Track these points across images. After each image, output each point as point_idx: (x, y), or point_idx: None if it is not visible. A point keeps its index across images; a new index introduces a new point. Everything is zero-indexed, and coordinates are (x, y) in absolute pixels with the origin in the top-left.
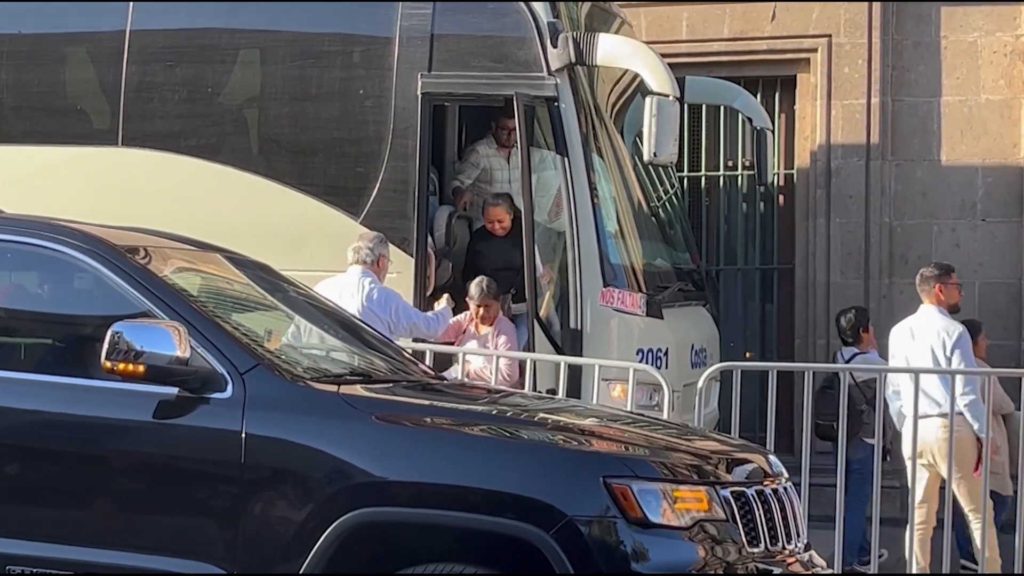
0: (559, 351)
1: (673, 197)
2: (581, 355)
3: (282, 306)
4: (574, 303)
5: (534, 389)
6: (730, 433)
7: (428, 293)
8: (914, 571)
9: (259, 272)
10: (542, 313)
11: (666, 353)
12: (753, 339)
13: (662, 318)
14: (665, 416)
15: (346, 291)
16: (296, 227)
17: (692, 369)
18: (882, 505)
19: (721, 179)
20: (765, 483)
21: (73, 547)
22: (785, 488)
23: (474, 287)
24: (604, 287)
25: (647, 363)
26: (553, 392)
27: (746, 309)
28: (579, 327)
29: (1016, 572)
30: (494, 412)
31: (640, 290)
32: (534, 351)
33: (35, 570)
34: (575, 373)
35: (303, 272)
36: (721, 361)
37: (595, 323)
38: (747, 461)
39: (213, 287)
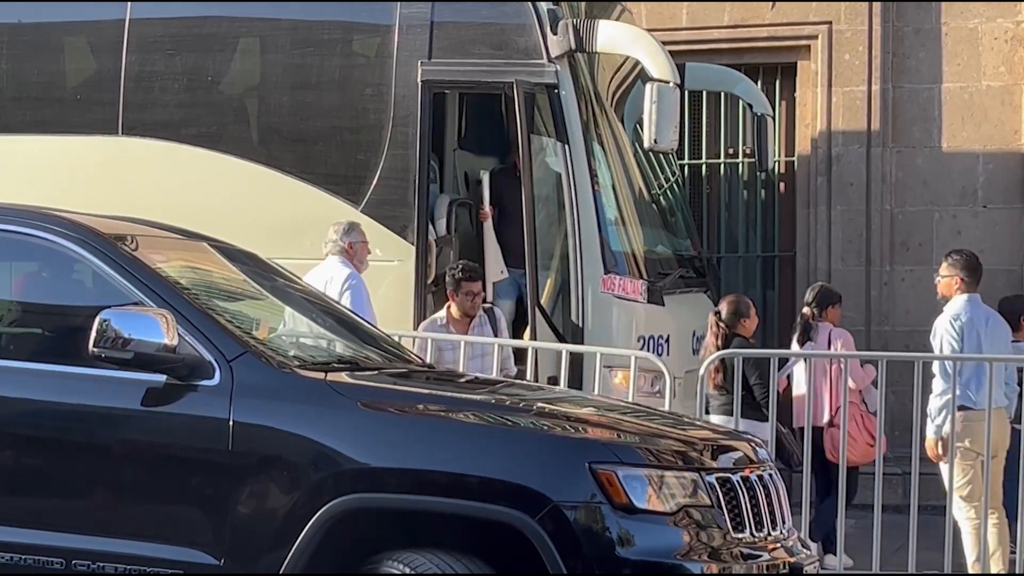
0: (560, 339)
1: (674, 184)
2: (583, 342)
3: (269, 295)
4: (575, 290)
5: (535, 378)
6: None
7: (429, 280)
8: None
9: (246, 261)
10: (543, 301)
11: (667, 340)
12: None
13: (663, 305)
14: (667, 403)
15: (324, 279)
16: (297, 215)
17: (693, 356)
18: None
19: (722, 166)
20: (749, 469)
21: (61, 534)
22: (771, 475)
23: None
24: (605, 274)
25: (648, 350)
26: (555, 380)
27: (747, 296)
28: (580, 314)
29: (1017, 572)
30: (481, 400)
31: (641, 277)
32: (536, 339)
33: (23, 557)
34: (576, 361)
35: (303, 260)
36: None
37: (596, 310)
38: (733, 448)
39: (200, 276)
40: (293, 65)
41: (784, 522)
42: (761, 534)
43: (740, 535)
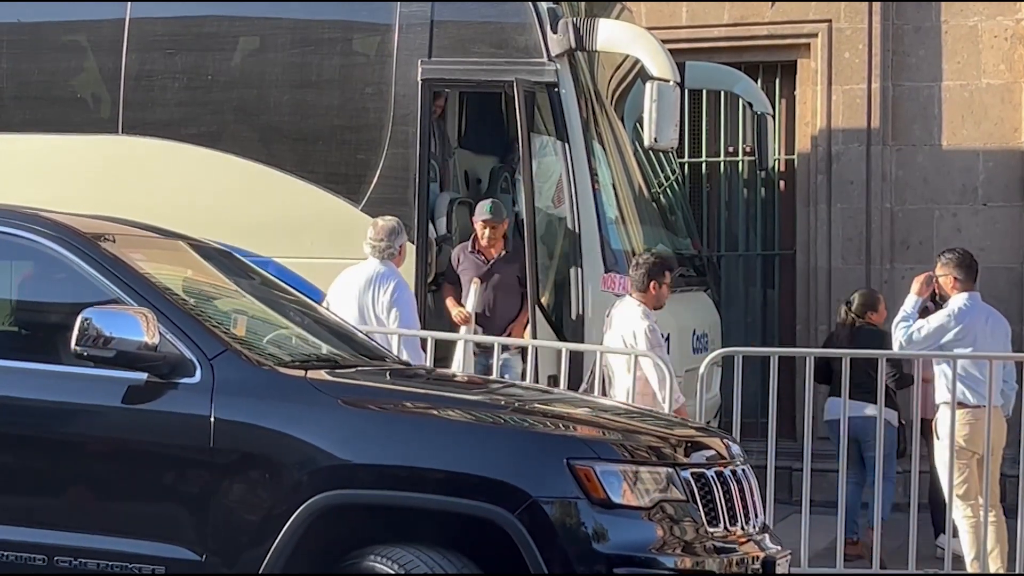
0: (560, 337)
1: (674, 183)
2: (583, 341)
3: (247, 293)
4: (575, 289)
5: (535, 377)
6: (731, 419)
7: (429, 279)
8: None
9: (222, 259)
10: (543, 299)
11: (667, 339)
12: (754, 325)
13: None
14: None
15: (365, 278)
16: (297, 214)
17: (694, 354)
18: None
19: (722, 165)
20: (722, 465)
21: (44, 531)
22: (743, 470)
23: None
24: (605, 273)
25: None
26: (555, 379)
27: (747, 295)
28: (580, 313)
29: (1017, 572)
30: (460, 397)
31: None
32: (536, 338)
33: (4, 553)
34: (577, 359)
35: (304, 260)
36: (723, 346)
37: (597, 309)
38: (706, 445)
39: (179, 274)
40: (293, 64)
41: (756, 517)
42: (734, 528)
43: (714, 529)
